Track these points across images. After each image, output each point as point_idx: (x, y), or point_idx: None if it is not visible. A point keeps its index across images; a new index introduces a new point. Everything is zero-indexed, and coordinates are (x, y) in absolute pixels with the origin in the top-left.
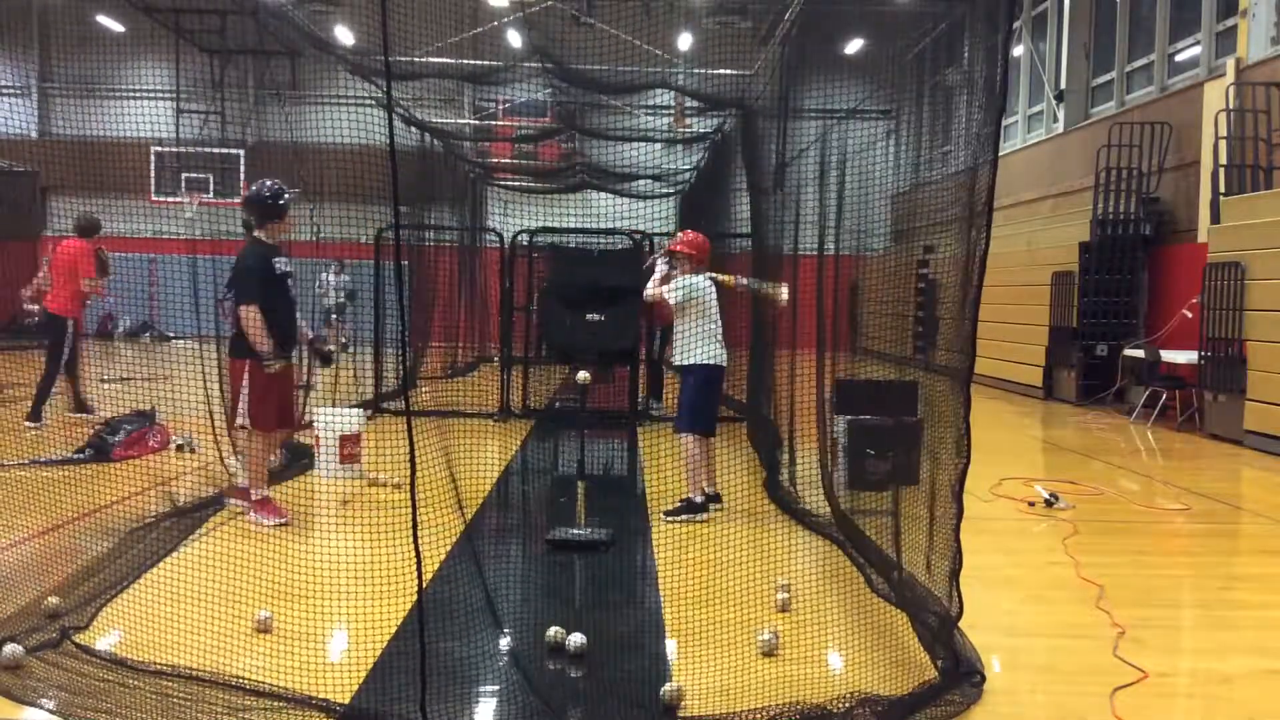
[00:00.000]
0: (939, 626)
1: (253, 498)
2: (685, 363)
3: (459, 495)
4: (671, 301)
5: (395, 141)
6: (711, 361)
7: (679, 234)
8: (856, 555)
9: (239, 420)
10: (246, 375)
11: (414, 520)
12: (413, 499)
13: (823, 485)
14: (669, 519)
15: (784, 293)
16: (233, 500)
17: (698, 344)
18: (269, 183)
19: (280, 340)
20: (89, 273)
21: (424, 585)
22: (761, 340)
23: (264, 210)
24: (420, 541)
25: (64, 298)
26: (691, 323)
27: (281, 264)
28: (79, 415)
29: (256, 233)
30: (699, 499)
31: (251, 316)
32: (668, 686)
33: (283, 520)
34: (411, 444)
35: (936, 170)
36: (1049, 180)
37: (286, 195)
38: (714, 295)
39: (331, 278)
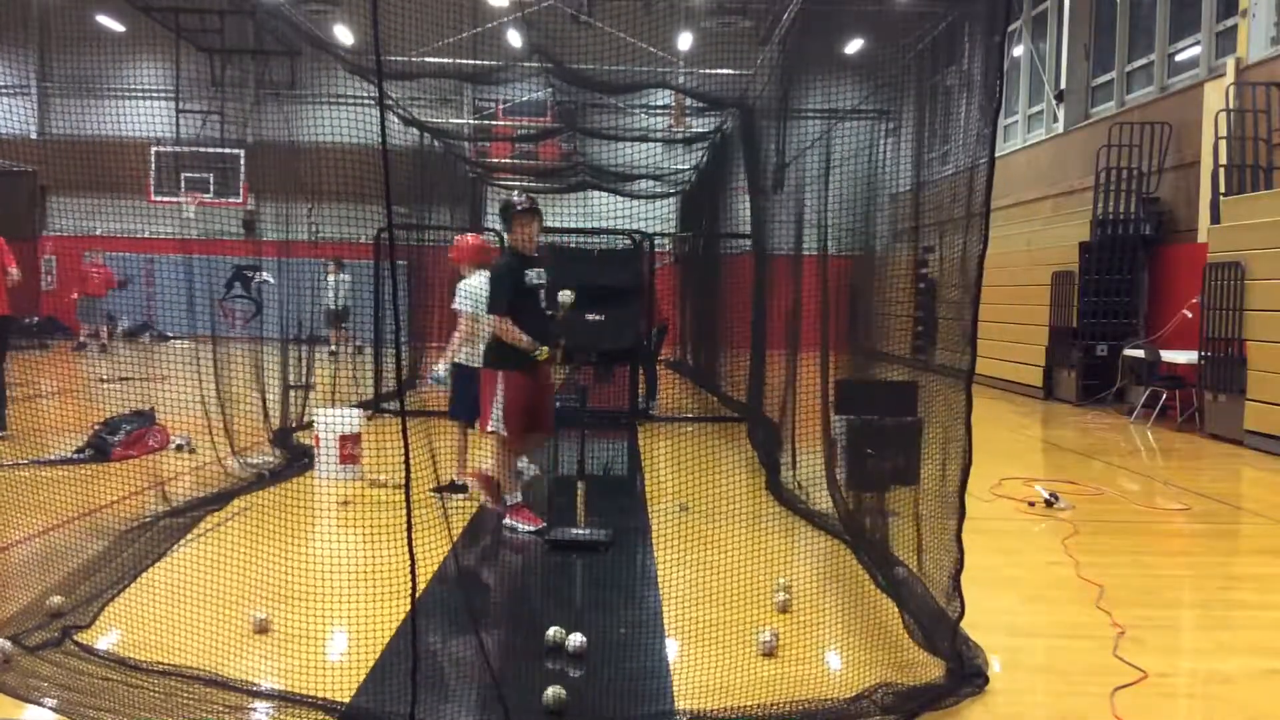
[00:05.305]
0: (941, 627)
1: (506, 503)
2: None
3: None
4: (467, 310)
5: (393, 141)
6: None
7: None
8: (863, 555)
9: (490, 427)
10: (500, 385)
11: (408, 522)
12: (407, 501)
13: (828, 485)
14: (435, 493)
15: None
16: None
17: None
18: (515, 194)
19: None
20: (10, 263)
21: (420, 588)
22: (762, 341)
23: (502, 219)
24: (420, 541)
25: None
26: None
27: (533, 276)
28: None
29: (509, 242)
30: (460, 481)
31: (501, 325)
32: (550, 690)
33: (538, 527)
34: (406, 445)
35: (936, 171)
36: (1049, 180)
37: (519, 205)
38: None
39: (331, 278)
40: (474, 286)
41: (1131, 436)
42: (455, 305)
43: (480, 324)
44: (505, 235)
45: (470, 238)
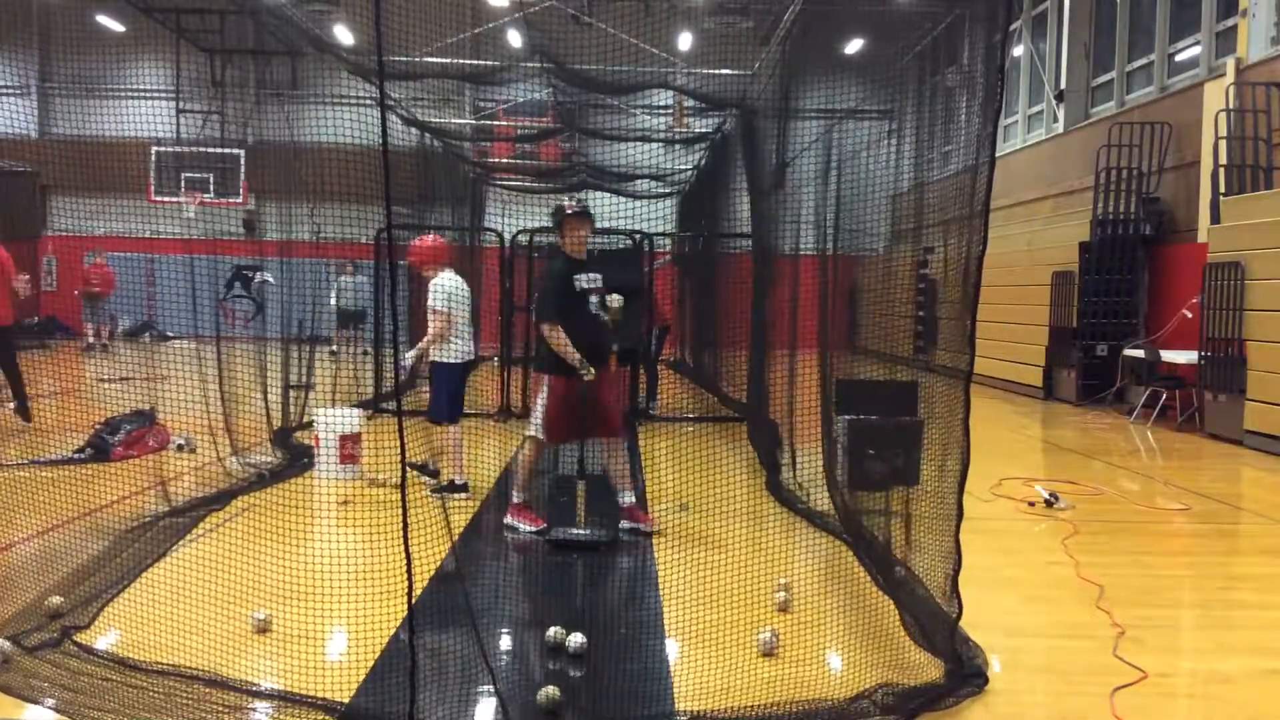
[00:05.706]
0: (940, 628)
1: (513, 501)
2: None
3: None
4: (440, 308)
5: (394, 141)
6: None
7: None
8: (863, 555)
9: (529, 431)
10: (545, 389)
11: (404, 522)
12: (403, 501)
13: (827, 485)
14: (435, 494)
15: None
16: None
17: (468, 340)
18: (566, 198)
19: (584, 353)
20: (13, 273)
21: (421, 587)
22: (762, 340)
23: (553, 223)
24: (418, 541)
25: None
26: (460, 320)
27: (583, 281)
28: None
29: (561, 246)
30: (460, 481)
31: (552, 334)
32: (543, 691)
33: (539, 528)
34: (403, 446)
35: (936, 171)
36: (1049, 180)
37: (570, 208)
38: (465, 290)
39: (347, 279)
40: (445, 284)
41: (1131, 436)
42: (429, 303)
43: (453, 322)
44: (557, 239)
45: (426, 239)
